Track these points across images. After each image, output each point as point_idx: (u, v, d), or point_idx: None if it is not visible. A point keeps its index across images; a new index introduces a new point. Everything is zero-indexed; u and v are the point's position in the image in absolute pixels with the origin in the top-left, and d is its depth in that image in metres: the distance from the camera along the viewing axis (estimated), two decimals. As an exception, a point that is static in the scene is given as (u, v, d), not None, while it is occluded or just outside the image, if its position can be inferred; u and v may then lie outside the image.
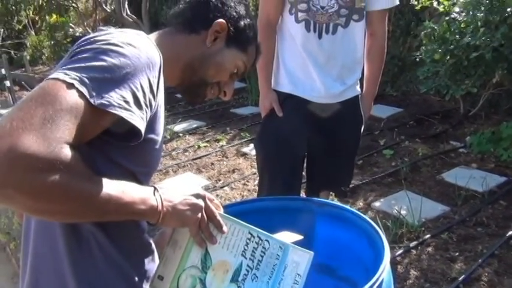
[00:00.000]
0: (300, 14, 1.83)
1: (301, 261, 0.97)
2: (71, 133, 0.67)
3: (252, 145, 3.96)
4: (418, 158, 3.52)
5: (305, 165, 2.11)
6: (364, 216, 1.38)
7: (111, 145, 0.80)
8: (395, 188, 3.09)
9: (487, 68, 3.38)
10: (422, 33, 3.68)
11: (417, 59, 3.78)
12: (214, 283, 0.90)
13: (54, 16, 9.87)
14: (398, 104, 4.77)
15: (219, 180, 3.49)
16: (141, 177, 0.87)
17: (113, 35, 0.79)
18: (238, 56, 1.02)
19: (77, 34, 9.83)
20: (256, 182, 3.29)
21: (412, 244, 2.44)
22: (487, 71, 3.41)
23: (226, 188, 3.32)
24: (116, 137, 0.78)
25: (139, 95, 0.76)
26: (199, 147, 4.17)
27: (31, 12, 10.51)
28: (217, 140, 4.29)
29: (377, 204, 2.91)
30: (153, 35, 0.98)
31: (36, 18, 11.00)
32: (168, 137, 4.43)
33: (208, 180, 3.49)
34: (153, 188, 0.83)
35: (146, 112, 0.78)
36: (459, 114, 4.26)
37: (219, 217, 0.92)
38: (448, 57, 3.43)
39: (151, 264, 0.93)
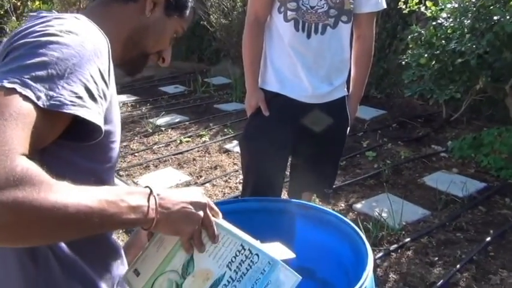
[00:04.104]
0: (289, 13, 1.81)
1: (286, 282, 0.90)
2: (23, 143, 0.59)
3: (235, 142, 3.93)
4: (400, 161, 3.54)
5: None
6: (347, 220, 1.36)
7: (67, 147, 0.72)
8: (377, 190, 3.10)
9: (471, 74, 3.40)
10: (409, 37, 3.69)
11: (403, 63, 3.80)
12: None
13: (37, 3, 9.65)
14: (382, 106, 4.79)
15: (201, 176, 3.45)
16: (103, 174, 0.80)
17: (50, 23, 0.71)
18: (178, 22, 0.96)
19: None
20: (238, 179, 3.27)
21: (392, 247, 2.45)
22: (471, 77, 3.44)
23: (207, 184, 3.28)
24: (72, 138, 0.70)
25: (92, 87, 0.68)
26: (181, 142, 4.11)
27: (14, -2, 10.26)
28: (200, 136, 4.24)
29: (358, 206, 2.91)
30: (87, 11, 0.88)
31: (19, 4, 10.75)
32: (150, 130, 4.36)
33: (189, 176, 3.45)
34: (148, 192, 0.74)
35: (102, 105, 0.71)
36: (441, 118, 4.30)
37: (214, 227, 0.84)
38: (434, 62, 3.44)
39: (121, 269, 0.87)
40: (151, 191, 0.74)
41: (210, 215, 0.84)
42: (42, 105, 0.62)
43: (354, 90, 2.03)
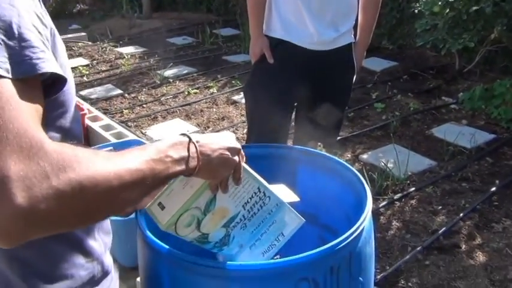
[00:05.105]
0: (295, -45, 1.74)
1: (290, 223, 0.98)
2: (37, 125, 0.55)
3: (243, 93, 3.91)
4: (409, 113, 3.51)
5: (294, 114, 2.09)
6: (348, 165, 1.37)
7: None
8: (384, 142, 3.10)
9: (486, 23, 3.30)
10: (423, -17, 3.56)
11: (416, 11, 3.68)
12: (207, 225, 0.91)
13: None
14: (393, 57, 4.69)
15: (208, 127, 3.47)
16: (67, 123, 0.74)
17: None
18: None
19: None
20: (245, 130, 3.27)
21: (396, 196, 2.47)
22: (485, 26, 3.34)
23: (215, 135, 3.30)
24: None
25: (41, 37, 0.62)
26: (189, 93, 4.11)
27: None
28: (208, 87, 4.22)
29: (364, 156, 2.92)
30: None
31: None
32: (158, 82, 4.35)
33: (197, 127, 3.46)
34: (187, 140, 0.73)
35: (50, 51, 0.65)
36: (454, 70, 4.21)
37: (242, 171, 0.86)
38: (448, 10, 3.34)
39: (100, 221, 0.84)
40: (190, 139, 0.73)
41: (242, 160, 0.86)
42: (16, 76, 0.56)
43: (360, 37, 1.98)
